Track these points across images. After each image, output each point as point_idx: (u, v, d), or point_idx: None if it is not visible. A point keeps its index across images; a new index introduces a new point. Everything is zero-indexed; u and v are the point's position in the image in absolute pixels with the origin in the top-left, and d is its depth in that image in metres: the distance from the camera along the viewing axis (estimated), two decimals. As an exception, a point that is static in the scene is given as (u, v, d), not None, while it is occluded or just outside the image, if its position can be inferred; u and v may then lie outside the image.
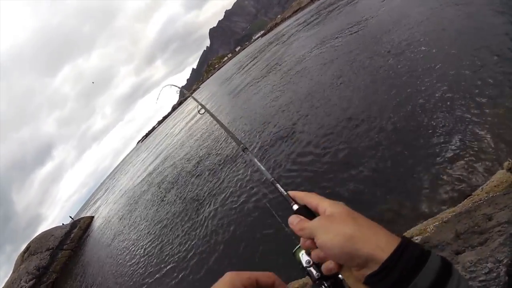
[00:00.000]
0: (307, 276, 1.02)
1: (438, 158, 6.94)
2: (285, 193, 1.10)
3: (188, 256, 12.14)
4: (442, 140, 7.34)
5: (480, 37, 10.32)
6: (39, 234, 41.88)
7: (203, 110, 2.46)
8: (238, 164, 15.93)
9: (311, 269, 0.99)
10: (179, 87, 4.37)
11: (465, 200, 4.48)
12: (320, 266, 0.95)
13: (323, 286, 0.97)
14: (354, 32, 22.93)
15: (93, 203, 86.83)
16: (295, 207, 1.04)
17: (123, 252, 19.43)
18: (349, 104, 12.38)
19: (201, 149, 25.92)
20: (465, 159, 6.36)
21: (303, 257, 1.01)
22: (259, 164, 1.30)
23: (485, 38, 10.08)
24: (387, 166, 8.10)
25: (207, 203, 14.83)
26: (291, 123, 15.12)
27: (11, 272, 37.46)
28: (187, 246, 13.10)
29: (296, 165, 11.34)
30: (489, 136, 6.46)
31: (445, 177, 6.37)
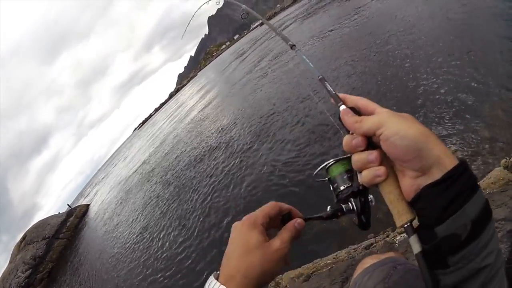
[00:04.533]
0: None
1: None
2: (334, 92, 0.97)
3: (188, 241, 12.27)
4: (439, 134, 7.21)
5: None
6: (35, 223, 41.83)
7: (246, 15, 2.37)
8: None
9: (347, 187, 0.98)
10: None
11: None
12: (355, 184, 0.94)
13: (349, 203, 0.97)
14: (350, 24, 23.00)
15: (89, 191, 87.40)
16: (343, 107, 0.90)
17: (119, 239, 19.60)
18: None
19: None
20: (462, 154, 6.29)
21: (340, 173, 1.01)
22: (307, 60, 1.17)
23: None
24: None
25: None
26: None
27: (8, 262, 37.56)
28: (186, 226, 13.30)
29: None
30: (487, 133, 6.42)
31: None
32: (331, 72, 15.38)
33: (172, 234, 13.72)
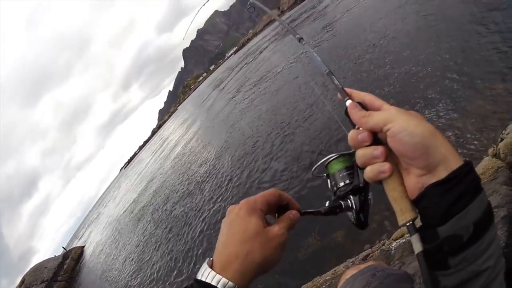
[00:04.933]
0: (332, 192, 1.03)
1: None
2: (341, 87, 0.95)
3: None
4: None
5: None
6: (32, 267, 41.21)
7: (252, 9, 2.41)
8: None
9: (346, 184, 0.98)
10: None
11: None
12: (355, 181, 0.96)
13: (348, 201, 0.98)
14: (325, 38, 23.78)
15: (82, 233, 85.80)
16: (349, 102, 0.89)
17: (116, 279, 19.42)
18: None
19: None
20: None
21: (339, 170, 1.01)
22: (315, 54, 1.15)
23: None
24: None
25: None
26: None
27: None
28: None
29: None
30: (472, 124, 6.53)
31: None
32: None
33: (166, 271, 13.75)
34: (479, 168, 4.12)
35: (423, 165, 0.73)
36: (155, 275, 14.57)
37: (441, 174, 0.71)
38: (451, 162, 0.71)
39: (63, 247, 57.49)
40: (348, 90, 0.94)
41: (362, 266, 1.70)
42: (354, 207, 0.97)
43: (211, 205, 14.50)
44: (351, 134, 0.85)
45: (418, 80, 9.43)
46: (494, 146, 4.22)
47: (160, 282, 13.50)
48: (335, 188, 1.02)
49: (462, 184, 0.69)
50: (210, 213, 13.97)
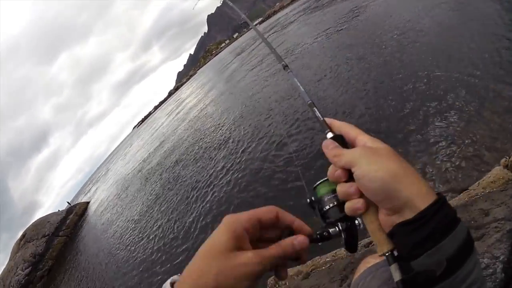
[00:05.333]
0: (319, 218, 0.98)
1: (434, 149, 6.88)
2: (322, 119, 0.99)
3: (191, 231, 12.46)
4: (439, 133, 7.26)
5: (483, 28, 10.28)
6: (35, 221, 41.90)
7: (250, 26, 2.39)
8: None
9: (332, 207, 0.93)
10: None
11: (462, 193, 4.44)
12: (341, 206, 0.89)
13: (336, 228, 0.92)
14: (351, 22, 23.08)
15: (89, 189, 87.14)
16: (330, 135, 0.93)
17: (119, 237, 19.69)
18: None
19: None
20: (462, 153, 6.30)
21: (326, 193, 0.95)
22: (298, 84, 1.18)
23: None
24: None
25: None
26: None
27: (7, 260, 37.53)
28: (187, 221, 13.41)
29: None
30: (486, 133, 6.41)
31: (441, 169, 6.32)
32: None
33: (171, 232, 13.82)
34: (489, 176, 4.11)
35: (388, 207, 0.75)
36: (156, 236, 14.80)
37: (407, 215, 0.71)
38: (417, 202, 0.70)
39: (68, 202, 58.12)
40: (328, 120, 0.97)
41: None
42: (342, 233, 0.93)
43: (223, 173, 14.46)
44: (330, 170, 0.87)
45: (439, 80, 9.22)
46: (507, 157, 4.20)
47: (160, 244, 13.69)
48: (323, 210, 0.96)
49: (430, 223, 0.69)
50: (220, 181, 13.95)
